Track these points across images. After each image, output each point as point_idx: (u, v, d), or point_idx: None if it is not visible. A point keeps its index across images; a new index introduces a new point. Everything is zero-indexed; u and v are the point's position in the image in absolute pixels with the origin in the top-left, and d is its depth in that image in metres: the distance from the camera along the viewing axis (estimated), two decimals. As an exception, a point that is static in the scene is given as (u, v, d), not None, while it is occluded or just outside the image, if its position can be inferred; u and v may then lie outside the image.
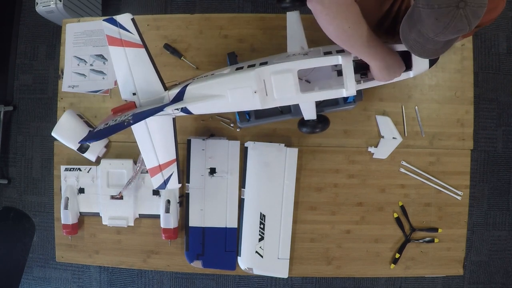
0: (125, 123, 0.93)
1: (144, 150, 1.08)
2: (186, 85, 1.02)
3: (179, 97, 1.02)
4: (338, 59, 0.96)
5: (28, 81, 2.37)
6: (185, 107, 1.02)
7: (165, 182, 1.11)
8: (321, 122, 1.09)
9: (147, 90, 1.05)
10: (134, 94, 1.05)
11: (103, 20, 1.01)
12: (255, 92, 0.97)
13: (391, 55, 0.95)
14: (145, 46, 1.03)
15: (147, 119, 1.03)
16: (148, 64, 1.04)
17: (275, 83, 0.97)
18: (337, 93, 0.99)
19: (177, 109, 1.02)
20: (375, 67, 0.95)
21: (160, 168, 1.09)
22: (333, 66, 1.05)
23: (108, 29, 1.01)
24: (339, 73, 1.00)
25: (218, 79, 1.00)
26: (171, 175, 1.10)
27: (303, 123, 1.11)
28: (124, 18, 1.00)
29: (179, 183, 1.12)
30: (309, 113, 1.08)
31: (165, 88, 1.05)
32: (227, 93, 0.99)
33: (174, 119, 1.08)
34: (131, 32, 1.01)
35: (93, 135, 1.04)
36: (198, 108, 1.03)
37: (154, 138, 1.07)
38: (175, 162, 1.10)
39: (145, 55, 1.03)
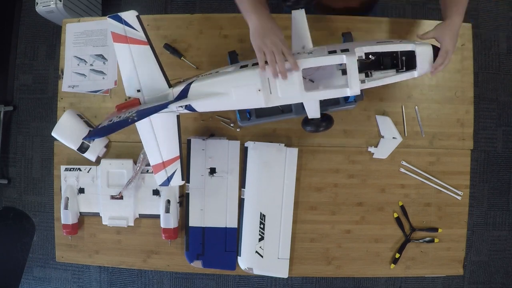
0: (129, 120, 0.94)
1: (148, 147, 1.08)
2: (190, 83, 1.03)
3: (183, 95, 1.02)
4: (343, 59, 0.96)
5: (28, 81, 2.37)
6: (189, 105, 1.02)
7: (169, 179, 1.10)
8: (325, 120, 1.09)
9: (151, 87, 1.05)
10: (138, 91, 1.05)
11: (108, 17, 1.02)
12: (259, 91, 0.97)
13: (270, 20, 0.98)
14: (149, 42, 1.04)
15: (151, 116, 1.04)
16: (152, 60, 1.05)
17: (279, 81, 0.97)
18: (341, 92, 0.99)
19: (181, 107, 1.02)
20: (251, 26, 0.98)
21: (164, 165, 1.09)
22: (337, 65, 1.05)
23: (113, 26, 1.02)
24: (344, 72, 1.00)
25: (223, 77, 1.00)
26: (174, 172, 1.10)
27: (306, 121, 1.10)
28: (129, 15, 1.02)
29: (182, 179, 1.11)
30: (313, 111, 1.07)
31: (170, 85, 1.06)
32: (231, 91, 0.99)
33: (178, 116, 1.08)
34: (135, 29, 1.02)
35: (97, 132, 1.05)
36: (202, 105, 1.03)
37: (158, 135, 1.07)
38: (179, 159, 1.10)
39: (150, 51, 1.04)
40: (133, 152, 1.30)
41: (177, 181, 1.11)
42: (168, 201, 1.25)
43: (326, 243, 1.29)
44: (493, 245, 2.22)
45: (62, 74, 1.35)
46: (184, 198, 1.29)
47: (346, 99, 1.21)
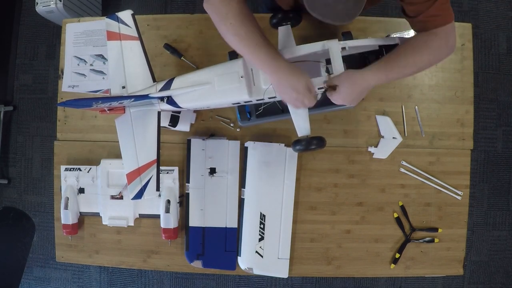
0: (100, 100, 0.93)
1: (124, 149, 1.03)
2: (174, 77, 1.03)
3: (166, 88, 1.02)
4: (324, 45, 0.96)
5: (28, 81, 2.37)
6: (171, 97, 1.01)
7: (142, 190, 1.00)
8: (316, 138, 1.01)
9: (136, 83, 1.05)
10: (123, 87, 1.05)
11: (106, 17, 1.06)
12: (241, 77, 0.97)
13: (289, 72, 0.91)
14: (140, 38, 1.06)
15: (132, 113, 1.03)
16: (140, 55, 1.06)
17: (262, 72, 0.97)
18: (325, 79, 0.98)
19: (163, 100, 1.02)
20: (272, 81, 0.95)
21: (139, 171, 1.00)
22: (325, 70, 1.05)
23: (109, 25, 1.06)
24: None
25: (206, 68, 1.02)
26: (149, 180, 1.00)
27: (296, 141, 1.02)
28: (125, 14, 1.06)
29: (157, 189, 1.00)
30: (303, 128, 1.04)
31: (154, 80, 1.05)
32: (213, 79, 0.99)
33: (159, 114, 1.05)
34: (129, 26, 1.05)
35: (72, 102, 0.95)
36: (184, 97, 1.02)
37: (136, 133, 1.03)
38: (155, 164, 1.01)
39: (139, 47, 1.05)
40: (133, 152, 1.30)
41: (151, 191, 1.00)
42: (168, 201, 1.25)
43: (326, 243, 1.29)
44: (493, 245, 2.22)
45: (62, 74, 1.35)
46: (184, 198, 1.29)
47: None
